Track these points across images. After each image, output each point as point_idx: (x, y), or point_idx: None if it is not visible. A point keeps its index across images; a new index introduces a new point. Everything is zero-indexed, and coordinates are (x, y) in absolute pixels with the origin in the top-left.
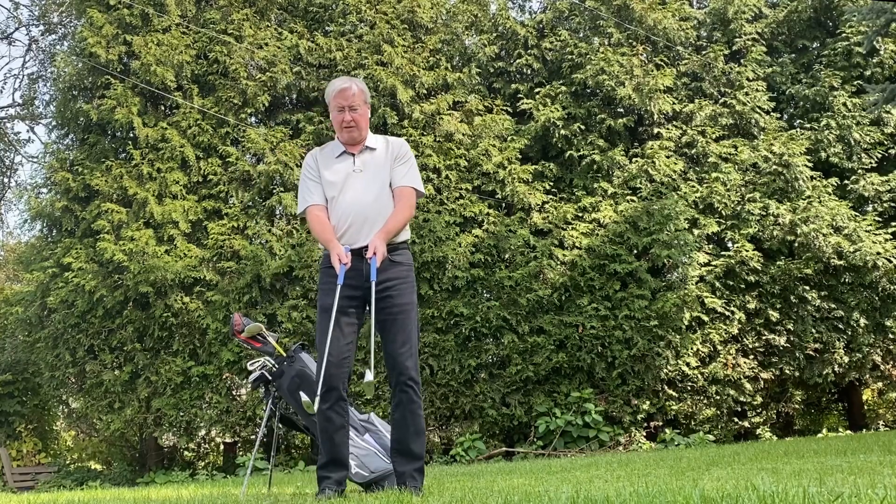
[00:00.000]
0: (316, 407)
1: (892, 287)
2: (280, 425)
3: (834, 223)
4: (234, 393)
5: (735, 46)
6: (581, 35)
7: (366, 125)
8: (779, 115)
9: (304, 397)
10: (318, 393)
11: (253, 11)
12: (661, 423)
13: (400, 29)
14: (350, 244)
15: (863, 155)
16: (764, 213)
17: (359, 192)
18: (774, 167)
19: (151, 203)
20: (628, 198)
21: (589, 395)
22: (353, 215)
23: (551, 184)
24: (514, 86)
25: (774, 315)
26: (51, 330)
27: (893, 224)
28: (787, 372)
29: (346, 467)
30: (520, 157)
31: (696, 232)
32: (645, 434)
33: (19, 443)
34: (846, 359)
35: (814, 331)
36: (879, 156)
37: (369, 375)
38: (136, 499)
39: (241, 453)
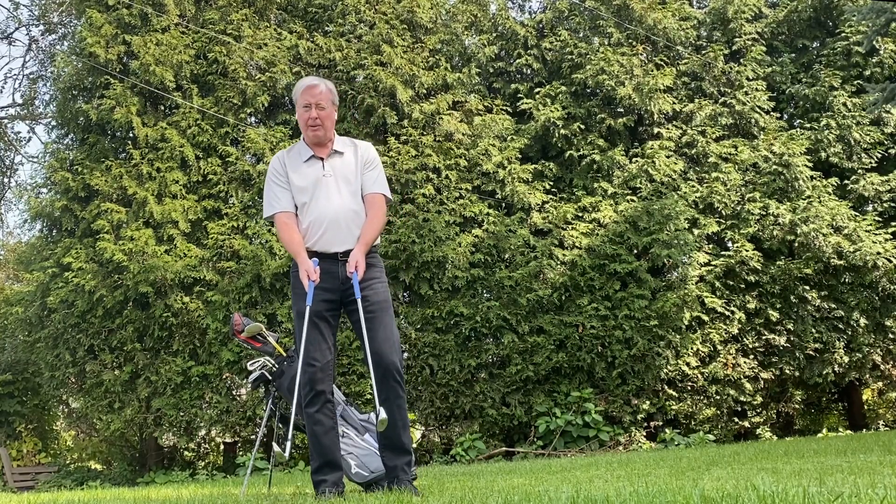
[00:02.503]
0: (287, 451)
1: (892, 287)
2: (280, 425)
3: (834, 223)
4: (234, 393)
5: (735, 46)
6: (581, 35)
7: (331, 126)
8: (779, 115)
9: (276, 448)
10: (296, 397)
11: (252, 11)
12: (661, 423)
13: (399, 29)
14: (325, 249)
15: (863, 155)
16: (764, 213)
17: (332, 198)
18: (774, 167)
19: (151, 203)
20: (628, 198)
21: (589, 394)
22: (328, 221)
23: (551, 184)
24: (513, 86)
25: (774, 315)
26: (51, 330)
27: (893, 224)
28: (787, 372)
29: (340, 468)
30: (520, 156)
31: (696, 232)
32: (645, 434)
33: (19, 443)
34: (846, 359)
35: (814, 331)
36: (879, 156)
37: (383, 414)
38: (136, 499)
39: (241, 453)
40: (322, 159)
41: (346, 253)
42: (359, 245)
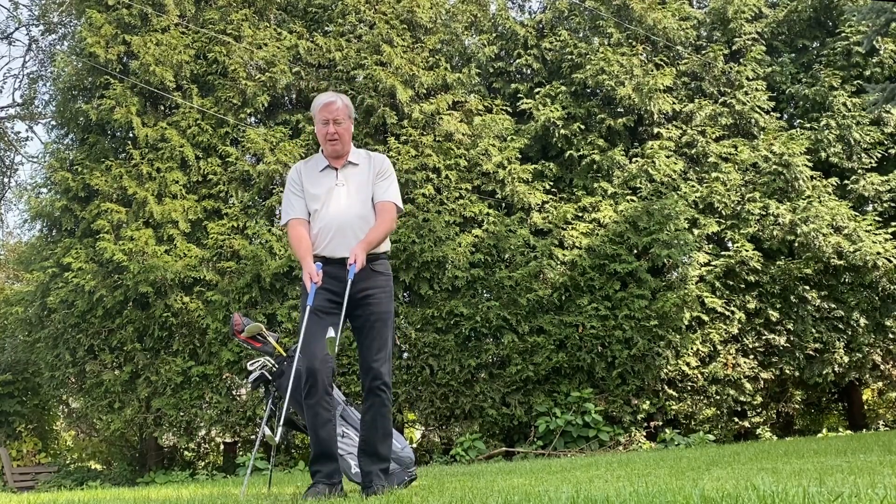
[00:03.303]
0: (278, 435)
1: (892, 287)
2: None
3: (834, 223)
4: (234, 393)
5: (735, 46)
6: (581, 35)
7: (349, 139)
8: (779, 115)
9: (267, 431)
10: (289, 392)
11: (252, 11)
12: (661, 423)
13: (399, 29)
14: (332, 254)
15: (863, 155)
16: (764, 213)
17: (342, 205)
18: (774, 167)
19: (151, 203)
20: (628, 198)
21: (589, 394)
22: (336, 227)
23: (551, 184)
24: (513, 86)
25: (774, 315)
26: (51, 330)
27: (893, 224)
28: (787, 372)
29: (336, 461)
30: (520, 156)
31: (696, 232)
32: (645, 434)
33: (19, 443)
34: (846, 359)
35: (814, 331)
36: (879, 156)
37: (331, 332)
38: (136, 499)
39: (241, 453)
40: (336, 169)
41: None
42: (361, 242)
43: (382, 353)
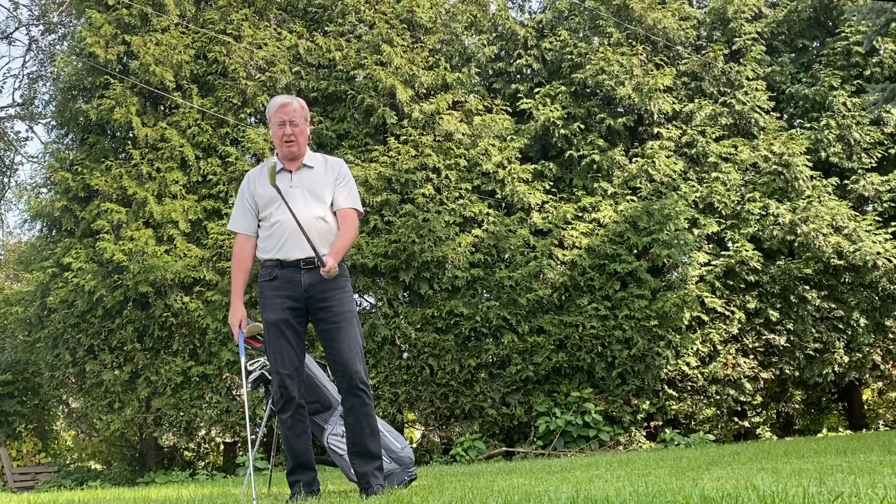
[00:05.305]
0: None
1: (892, 287)
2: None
3: (834, 223)
4: (234, 393)
5: (735, 46)
6: (581, 35)
7: (304, 141)
8: (779, 115)
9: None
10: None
11: (252, 11)
12: (661, 423)
13: (399, 29)
14: (286, 257)
15: (863, 155)
16: (764, 213)
17: (297, 207)
18: (774, 167)
19: (151, 203)
20: (628, 198)
21: (589, 394)
22: (290, 230)
23: (551, 183)
24: (513, 86)
25: (774, 315)
26: (51, 330)
27: (893, 224)
28: (787, 372)
29: (314, 469)
30: (519, 156)
31: (696, 232)
32: (645, 434)
33: (19, 443)
34: (846, 359)
35: (814, 331)
36: (879, 155)
37: None
38: (136, 499)
39: (241, 453)
40: (291, 172)
41: (308, 260)
42: (331, 252)
43: (354, 351)
